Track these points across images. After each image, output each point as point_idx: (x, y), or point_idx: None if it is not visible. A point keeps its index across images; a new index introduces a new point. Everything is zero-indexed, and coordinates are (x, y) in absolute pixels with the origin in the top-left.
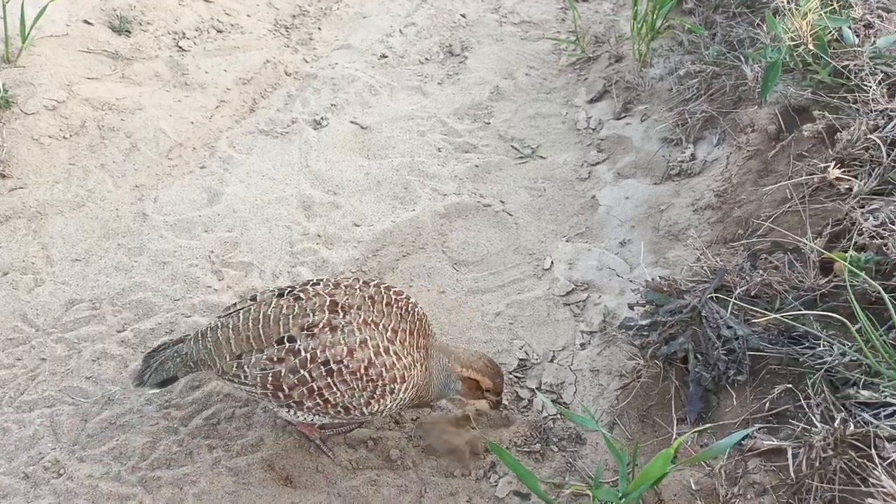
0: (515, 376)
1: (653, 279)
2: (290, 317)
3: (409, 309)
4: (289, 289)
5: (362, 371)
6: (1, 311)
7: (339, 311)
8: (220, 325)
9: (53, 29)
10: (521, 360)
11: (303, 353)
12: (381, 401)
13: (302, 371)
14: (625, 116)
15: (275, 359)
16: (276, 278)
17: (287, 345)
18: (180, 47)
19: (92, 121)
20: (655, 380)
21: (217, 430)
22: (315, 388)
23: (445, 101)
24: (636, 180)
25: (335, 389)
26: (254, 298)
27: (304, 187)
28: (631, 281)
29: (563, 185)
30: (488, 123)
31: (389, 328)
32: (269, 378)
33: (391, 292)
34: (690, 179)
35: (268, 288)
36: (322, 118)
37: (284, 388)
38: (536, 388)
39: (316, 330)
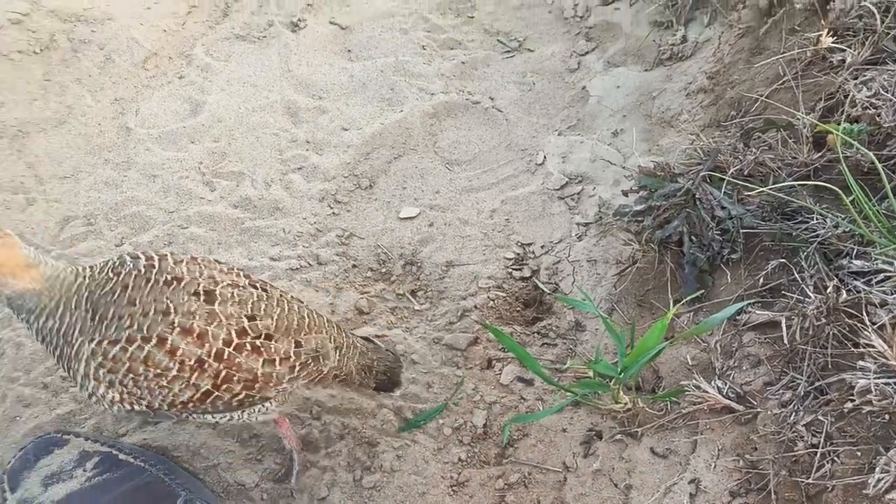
0: (513, 269)
1: (646, 165)
2: None
3: None
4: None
5: None
6: None
7: None
8: None
9: None
10: (517, 254)
11: None
12: None
13: None
14: (613, 1)
15: None
16: (269, 186)
17: None
18: None
19: (61, 33)
20: (651, 264)
21: None
22: None
23: None
24: (626, 68)
25: None
26: None
27: (287, 93)
28: (625, 168)
29: (553, 78)
30: (472, 17)
31: None
32: None
33: None
34: (682, 63)
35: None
36: (299, 20)
37: None
38: (534, 279)
39: None
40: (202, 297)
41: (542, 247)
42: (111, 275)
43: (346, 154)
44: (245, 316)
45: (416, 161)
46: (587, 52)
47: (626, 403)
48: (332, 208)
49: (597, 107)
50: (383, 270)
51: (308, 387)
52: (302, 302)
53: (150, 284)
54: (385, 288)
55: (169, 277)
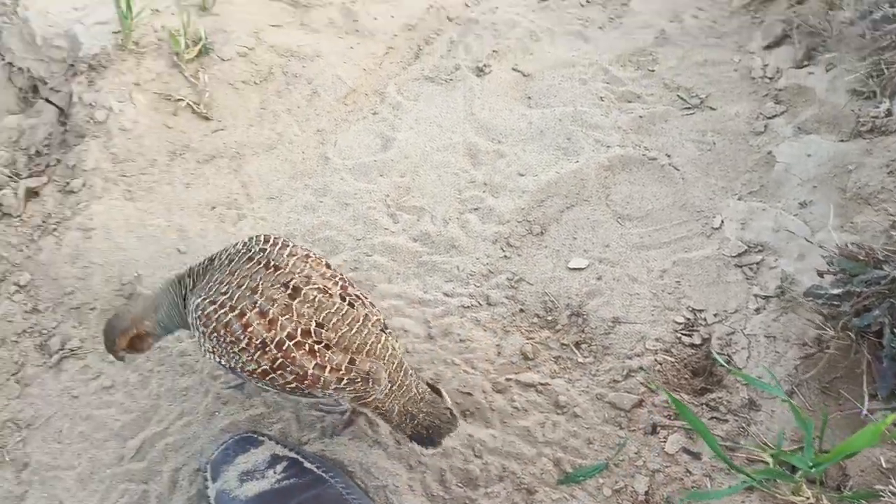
0: (682, 334)
1: (845, 245)
2: None
3: None
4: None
5: None
6: (212, 242)
7: None
8: None
9: None
10: (687, 319)
11: None
12: None
13: None
14: (807, 65)
15: None
16: (447, 223)
17: None
18: None
19: (278, 67)
20: (844, 352)
21: None
22: None
23: (607, 46)
24: (819, 136)
25: None
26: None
27: (469, 135)
28: (821, 246)
29: (735, 139)
30: (652, 71)
31: None
32: None
33: None
34: (885, 138)
35: None
36: (484, 65)
37: None
38: (707, 347)
39: None
40: (288, 290)
41: (714, 315)
42: (238, 248)
43: (521, 199)
44: (315, 321)
45: (588, 212)
46: (775, 116)
47: (808, 497)
48: (503, 251)
49: (784, 174)
50: (549, 318)
51: (354, 402)
52: (385, 330)
53: (252, 262)
54: (550, 336)
55: (271, 262)
